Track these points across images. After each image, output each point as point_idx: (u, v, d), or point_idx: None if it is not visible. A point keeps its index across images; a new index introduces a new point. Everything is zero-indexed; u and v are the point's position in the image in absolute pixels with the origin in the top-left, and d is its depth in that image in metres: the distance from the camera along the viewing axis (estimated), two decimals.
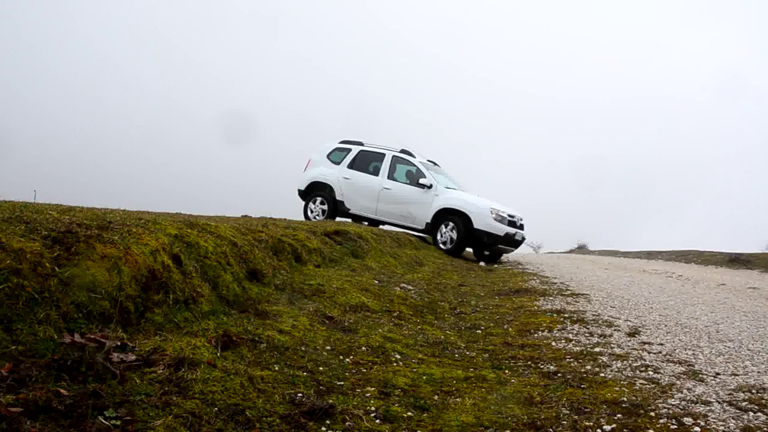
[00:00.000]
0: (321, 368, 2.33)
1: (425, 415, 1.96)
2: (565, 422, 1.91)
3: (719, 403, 2.12)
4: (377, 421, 1.85)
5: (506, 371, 2.60)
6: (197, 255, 3.00)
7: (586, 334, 3.39)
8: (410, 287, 5.06)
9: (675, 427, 1.87)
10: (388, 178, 10.64)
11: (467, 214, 9.87)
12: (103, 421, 1.45)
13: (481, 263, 9.47)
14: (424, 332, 3.37)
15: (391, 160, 10.79)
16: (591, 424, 1.89)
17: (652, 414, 1.98)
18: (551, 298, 4.98)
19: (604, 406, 2.06)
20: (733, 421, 1.93)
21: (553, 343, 3.17)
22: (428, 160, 11.25)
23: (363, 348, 2.74)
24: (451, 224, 10.05)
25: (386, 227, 10.31)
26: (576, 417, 1.95)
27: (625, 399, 2.13)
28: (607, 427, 1.86)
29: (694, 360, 2.79)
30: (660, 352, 2.94)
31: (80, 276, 2.05)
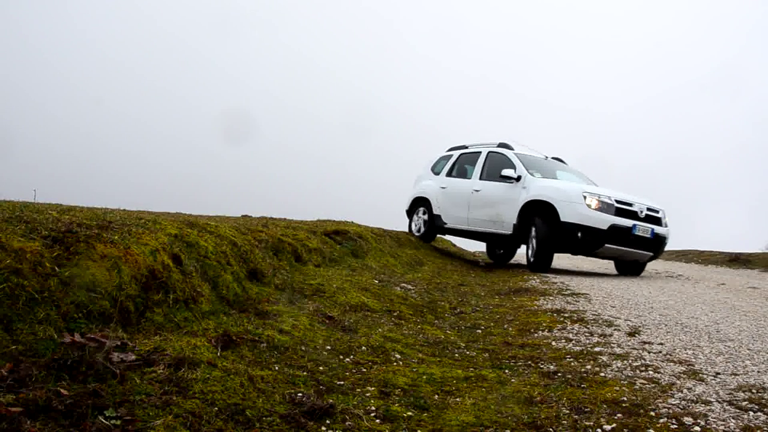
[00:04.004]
0: (321, 368, 2.33)
1: (425, 414, 1.96)
2: (565, 422, 1.90)
3: (719, 402, 2.12)
4: (377, 420, 1.85)
5: (506, 371, 2.60)
6: (197, 255, 3.00)
7: (586, 334, 3.39)
8: (410, 287, 5.06)
9: (675, 426, 1.87)
10: (480, 178, 8.69)
11: (552, 204, 7.25)
12: (103, 420, 1.45)
13: (481, 263, 9.36)
14: (424, 332, 3.37)
15: (486, 158, 8.83)
16: (591, 423, 1.89)
17: (653, 414, 1.98)
18: (551, 297, 4.98)
19: (605, 406, 2.06)
20: (734, 421, 1.93)
21: (553, 343, 3.17)
22: (553, 158, 9.13)
23: (363, 348, 2.74)
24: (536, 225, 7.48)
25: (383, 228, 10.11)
26: (576, 416, 1.95)
27: (625, 399, 2.13)
28: (608, 427, 1.86)
29: (694, 360, 2.79)
30: (660, 352, 2.94)
31: (80, 276, 2.05)
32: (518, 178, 7.92)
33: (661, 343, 3.14)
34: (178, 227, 3.11)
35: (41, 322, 1.80)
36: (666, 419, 1.92)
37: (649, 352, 2.92)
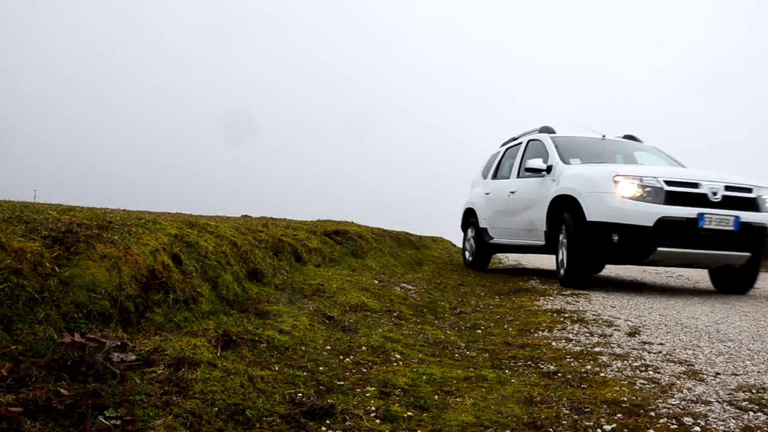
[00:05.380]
0: (321, 368, 2.33)
1: (425, 414, 1.95)
2: (565, 422, 1.90)
3: (719, 402, 2.12)
4: (377, 420, 1.85)
5: (506, 371, 2.60)
6: (197, 255, 3.00)
7: (586, 334, 3.39)
8: (410, 287, 5.06)
9: (675, 426, 1.87)
10: (518, 176, 6.83)
11: (576, 199, 5.27)
12: (103, 420, 1.45)
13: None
14: (424, 332, 3.37)
15: (524, 149, 6.93)
16: (591, 423, 1.89)
17: (653, 414, 1.98)
18: (551, 297, 4.98)
19: (605, 406, 2.06)
20: (734, 421, 1.93)
21: (553, 343, 3.17)
22: (625, 136, 7.05)
23: (363, 348, 2.74)
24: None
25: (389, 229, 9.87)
26: (576, 417, 1.95)
27: (625, 399, 2.13)
28: (608, 427, 1.86)
29: (694, 360, 2.79)
30: (660, 352, 2.94)
31: (80, 276, 2.05)
32: (548, 169, 5.92)
33: (661, 344, 3.14)
34: (178, 227, 3.11)
35: (41, 322, 1.80)
36: (666, 419, 1.92)
37: (649, 353, 2.92)
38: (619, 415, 1.96)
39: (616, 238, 4.95)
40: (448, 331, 3.52)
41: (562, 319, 3.90)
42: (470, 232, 8.09)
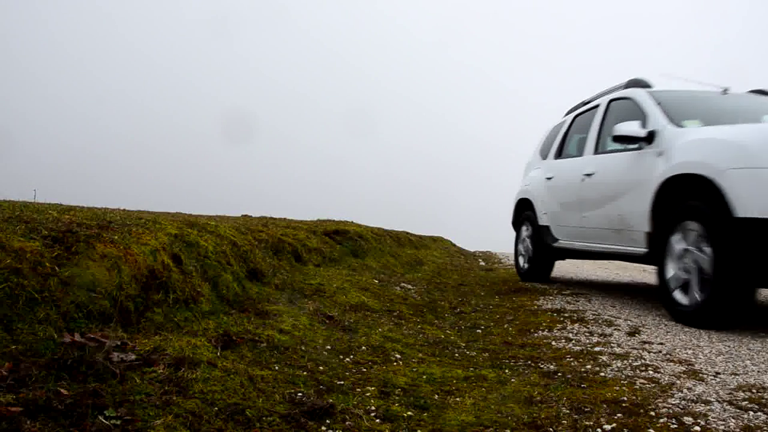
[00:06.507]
0: (321, 368, 2.33)
1: (425, 414, 1.96)
2: (565, 422, 1.90)
3: (719, 402, 2.12)
4: (377, 420, 1.85)
5: (506, 371, 2.60)
6: (197, 254, 3.00)
7: (586, 334, 3.39)
8: (410, 286, 5.07)
9: (675, 426, 1.87)
10: (596, 152, 4.91)
11: (711, 181, 3.18)
12: (103, 420, 1.45)
13: (481, 262, 9.28)
14: (424, 331, 3.37)
15: (604, 114, 4.96)
16: (591, 423, 1.89)
17: (653, 413, 1.98)
18: (551, 297, 4.98)
19: (605, 406, 2.06)
20: (734, 421, 1.93)
21: (553, 343, 3.17)
22: (752, 91, 4.90)
23: (363, 347, 2.75)
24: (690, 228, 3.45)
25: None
26: (576, 416, 1.95)
27: (625, 398, 2.13)
28: (608, 427, 1.86)
29: (694, 359, 2.79)
30: (660, 352, 2.94)
31: (80, 275, 2.05)
32: (648, 137, 3.96)
33: (661, 343, 3.14)
34: (178, 227, 3.11)
35: (41, 322, 1.80)
36: (666, 419, 1.92)
37: (649, 352, 2.93)
38: (619, 415, 1.96)
39: None
40: (448, 331, 3.52)
41: (562, 318, 3.90)
42: (525, 231, 6.29)
